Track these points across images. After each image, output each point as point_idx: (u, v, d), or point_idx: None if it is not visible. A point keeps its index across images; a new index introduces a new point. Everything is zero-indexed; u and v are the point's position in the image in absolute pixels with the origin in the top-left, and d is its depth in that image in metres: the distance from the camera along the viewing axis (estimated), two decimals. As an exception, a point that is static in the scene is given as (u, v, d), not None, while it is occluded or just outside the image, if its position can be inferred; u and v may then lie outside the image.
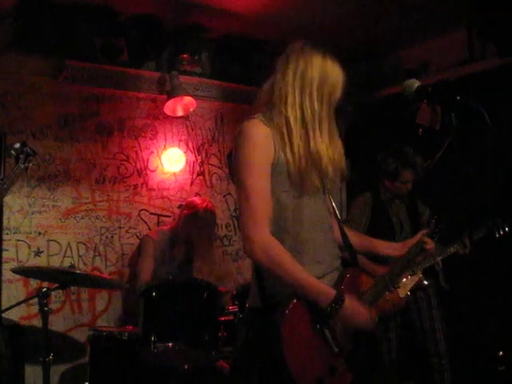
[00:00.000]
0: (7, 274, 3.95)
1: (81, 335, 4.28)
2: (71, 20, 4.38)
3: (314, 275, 2.00)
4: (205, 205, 4.10)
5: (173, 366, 3.26)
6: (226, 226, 4.96)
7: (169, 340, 3.02)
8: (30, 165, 3.21)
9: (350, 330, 2.08)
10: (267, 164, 2.03)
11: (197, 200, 4.21)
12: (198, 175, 4.87)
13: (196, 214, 4.04)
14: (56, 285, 3.32)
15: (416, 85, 2.05)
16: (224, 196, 4.97)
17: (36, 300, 3.67)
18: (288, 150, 2.04)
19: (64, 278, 3.19)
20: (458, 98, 1.93)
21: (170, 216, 4.66)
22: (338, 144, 2.15)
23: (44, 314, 3.13)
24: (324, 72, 2.10)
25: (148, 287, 3.17)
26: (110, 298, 4.41)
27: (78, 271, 3.20)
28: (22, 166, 3.10)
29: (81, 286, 3.93)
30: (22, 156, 3.11)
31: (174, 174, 4.75)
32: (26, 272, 3.54)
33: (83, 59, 4.36)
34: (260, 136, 2.04)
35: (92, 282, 3.43)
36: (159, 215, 4.66)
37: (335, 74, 2.14)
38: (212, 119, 4.98)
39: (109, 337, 3.43)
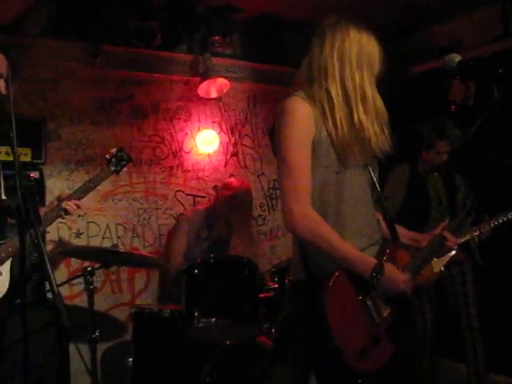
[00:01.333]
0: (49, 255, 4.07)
1: (121, 314, 4.39)
2: (105, 5, 4.44)
3: (356, 247, 2.04)
4: (243, 186, 4.17)
5: (215, 341, 3.34)
6: (260, 206, 5.02)
7: (212, 316, 3.09)
8: (125, 169, 3.31)
9: (390, 299, 2.12)
10: (308, 140, 2.07)
11: (234, 181, 4.27)
12: (232, 156, 4.93)
13: (234, 195, 4.10)
14: (98, 264, 3.42)
15: (457, 59, 2.06)
16: (258, 176, 5.02)
17: (78, 280, 3.80)
18: (330, 122, 2.07)
19: (108, 257, 3.28)
20: (500, 70, 1.94)
21: (205, 197, 4.73)
22: (383, 116, 2.17)
23: (90, 292, 3.24)
24: (361, 43, 2.13)
25: (190, 265, 3.24)
26: (148, 277, 4.51)
27: (121, 250, 3.28)
28: (113, 168, 3.19)
29: (123, 264, 4.02)
30: (114, 160, 3.20)
31: (209, 155, 4.81)
32: (72, 252, 3.64)
33: (118, 44, 4.43)
34: (301, 113, 2.08)
35: (134, 260, 3.53)
36: (195, 196, 4.74)
37: (372, 45, 2.17)
38: (244, 100, 5.02)
39: (151, 314, 3.52)
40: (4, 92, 2.58)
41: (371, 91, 2.14)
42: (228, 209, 4.12)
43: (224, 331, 3.20)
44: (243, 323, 3.18)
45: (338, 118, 2.07)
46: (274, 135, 2.18)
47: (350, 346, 2.01)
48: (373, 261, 2.04)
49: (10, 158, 3.55)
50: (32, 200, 1.77)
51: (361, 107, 2.10)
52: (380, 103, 2.17)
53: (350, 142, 2.08)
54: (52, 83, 4.24)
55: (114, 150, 3.21)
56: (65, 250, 3.55)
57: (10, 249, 2.57)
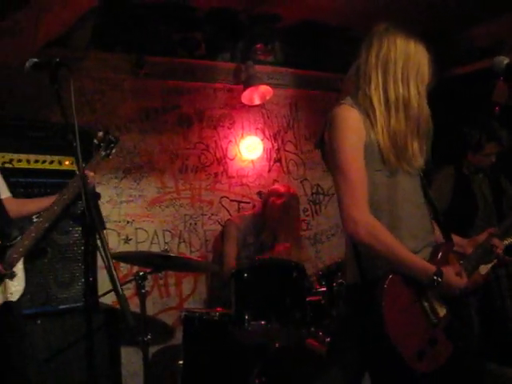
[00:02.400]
0: (99, 261, 4.17)
1: (169, 318, 4.47)
2: (149, 17, 4.56)
3: (410, 250, 2.07)
4: (290, 191, 4.22)
5: (264, 344, 3.38)
6: (304, 211, 5.05)
7: (261, 318, 3.14)
8: (113, 151, 3.28)
9: (446, 299, 2.14)
10: (360, 146, 2.11)
11: (282, 188, 4.32)
12: (275, 162, 4.99)
13: (283, 202, 4.16)
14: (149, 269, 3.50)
15: (505, 61, 2.08)
16: (301, 181, 5.07)
17: (127, 285, 3.88)
18: (374, 130, 2.11)
19: (158, 262, 3.36)
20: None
21: (249, 202, 4.80)
22: (428, 128, 2.19)
23: (141, 296, 3.32)
24: (408, 53, 2.15)
25: (239, 269, 3.30)
26: (195, 282, 4.59)
27: (172, 255, 3.36)
28: (103, 153, 3.19)
29: (173, 269, 4.09)
30: (103, 144, 3.20)
31: (252, 161, 4.88)
32: (124, 257, 3.73)
33: (162, 54, 4.55)
34: (351, 119, 2.12)
35: (184, 264, 3.60)
36: (239, 202, 4.81)
37: (419, 54, 2.18)
38: (287, 106, 5.08)
39: (200, 318, 3.58)
40: None
41: (418, 102, 2.16)
42: (278, 215, 4.17)
43: (273, 334, 3.25)
44: (292, 326, 3.22)
45: (379, 126, 2.11)
46: (323, 144, 2.23)
47: (408, 347, 2.03)
48: (432, 268, 2.06)
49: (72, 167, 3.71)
50: (96, 206, 1.85)
51: (402, 117, 2.13)
52: (427, 114, 2.19)
53: (392, 149, 2.11)
54: (99, 94, 4.37)
55: (101, 134, 3.21)
56: (117, 255, 3.64)
57: (20, 249, 2.64)
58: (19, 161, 3.57)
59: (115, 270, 1.79)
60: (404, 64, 2.14)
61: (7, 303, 2.58)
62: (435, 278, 2.02)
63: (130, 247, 4.36)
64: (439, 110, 2.32)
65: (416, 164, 2.20)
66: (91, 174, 3.00)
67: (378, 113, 2.12)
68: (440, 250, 2.20)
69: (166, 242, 4.48)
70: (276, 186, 4.52)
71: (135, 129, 4.46)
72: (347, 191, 2.08)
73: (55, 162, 3.72)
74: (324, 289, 3.44)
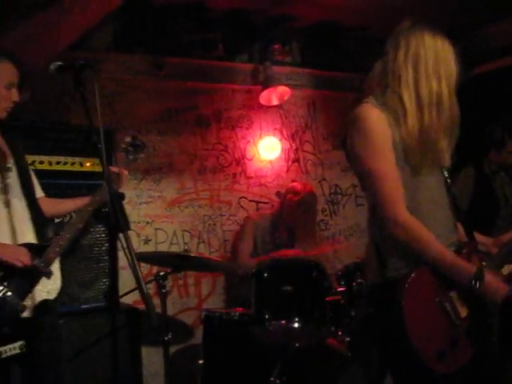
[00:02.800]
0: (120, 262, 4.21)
1: (188, 318, 4.51)
2: (168, 19, 4.60)
3: None
4: (307, 189, 4.24)
5: (284, 344, 3.39)
6: (322, 211, 5.06)
7: (281, 318, 3.16)
8: (141, 156, 3.30)
9: (469, 300, 2.13)
10: (388, 144, 2.10)
11: (298, 185, 4.35)
12: (294, 162, 5.00)
13: (300, 199, 4.18)
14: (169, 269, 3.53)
15: None
16: (319, 181, 5.07)
17: (149, 285, 3.91)
18: (403, 129, 2.10)
19: (179, 262, 3.39)
20: None
21: (267, 202, 4.82)
22: (457, 125, 2.19)
23: (162, 296, 3.35)
24: (436, 49, 2.14)
25: (259, 269, 3.31)
26: (214, 282, 4.62)
27: (192, 255, 3.39)
28: (131, 157, 3.21)
29: (193, 269, 4.12)
30: (130, 149, 3.21)
31: (270, 161, 4.90)
32: (145, 258, 3.76)
33: (181, 56, 4.58)
34: (375, 119, 2.11)
35: (204, 264, 3.62)
36: (258, 202, 4.83)
37: (446, 50, 2.17)
38: (304, 107, 5.09)
39: (220, 317, 3.60)
40: (17, 100, 2.74)
41: (448, 99, 2.14)
42: (294, 213, 4.19)
43: (293, 333, 3.25)
44: (312, 325, 3.22)
45: (410, 124, 2.09)
46: (346, 145, 2.23)
47: (428, 347, 2.02)
48: (473, 269, 2.04)
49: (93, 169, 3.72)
50: (120, 206, 1.88)
51: (434, 115, 2.12)
52: (457, 112, 2.18)
53: (422, 148, 2.10)
54: (119, 95, 4.41)
55: (128, 139, 3.22)
56: (137, 255, 3.66)
57: (57, 248, 2.67)
58: (41, 162, 3.61)
59: (140, 270, 1.81)
60: (434, 61, 2.13)
61: (45, 301, 2.61)
62: (474, 281, 2.00)
63: (149, 248, 4.40)
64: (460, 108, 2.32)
65: (442, 163, 2.20)
66: (125, 172, 3.05)
67: (408, 110, 2.10)
68: (463, 249, 2.19)
69: (185, 243, 4.51)
70: (293, 183, 4.54)
71: (154, 130, 4.50)
72: (382, 193, 2.07)
73: (76, 163, 3.76)
74: (343, 288, 3.45)
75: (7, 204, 2.64)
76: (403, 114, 2.11)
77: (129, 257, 1.82)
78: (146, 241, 4.40)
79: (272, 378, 3.32)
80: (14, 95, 2.72)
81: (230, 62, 4.77)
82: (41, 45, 3.80)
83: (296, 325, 3.16)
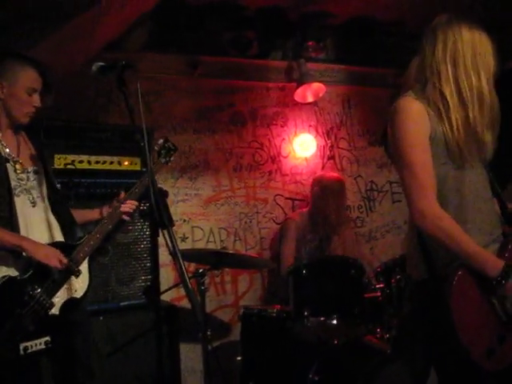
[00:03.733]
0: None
1: (225, 315, 4.53)
2: (202, 18, 4.62)
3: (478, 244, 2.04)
4: (330, 175, 4.26)
5: (323, 340, 3.39)
6: (358, 208, 5.04)
7: (320, 315, 3.16)
8: (172, 159, 3.31)
9: None
10: (426, 137, 2.09)
11: (322, 173, 4.44)
12: (329, 159, 4.99)
13: (323, 186, 4.22)
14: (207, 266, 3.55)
15: None
16: (355, 178, 5.05)
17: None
18: (446, 123, 2.08)
19: (217, 259, 3.41)
20: None
21: (303, 200, 4.81)
22: (498, 119, 2.17)
23: (201, 293, 3.38)
24: (474, 43, 2.12)
25: (297, 266, 3.32)
26: (251, 279, 4.63)
27: (229, 251, 3.41)
28: (163, 160, 3.24)
29: (230, 266, 4.13)
30: (163, 151, 3.24)
31: (306, 158, 4.89)
32: (183, 255, 3.77)
33: (215, 54, 4.60)
34: (414, 112, 2.10)
35: (241, 261, 3.64)
36: (293, 199, 4.83)
37: (484, 44, 2.15)
38: (339, 103, 5.07)
39: (259, 314, 3.62)
40: (38, 105, 2.78)
41: (489, 92, 2.13)
42: (322, 202, 4.22)
43: (332, 330, 3.26)
44: (351, 322, 3.23)
45: (453, 119, 2.08)
46: (386, 138, 2.22)
47: (476, 344, 2.00)
48: (501, 263, 2.02)
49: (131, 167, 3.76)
50: (164, 203, 1.90)
51: (477, 109, 2.10)
52: (497, 105, 2.16)
53: (467, 142, 2.09)
54: (155, 95, 4.45)
55: (161, 142, 3.23)
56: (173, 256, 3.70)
57: (86, 248, 2.72)
58: (80, 162, 3.67)
59: (184, 266, 1.83)
60: (472, 54, 2.12)
61: (72, 300, 2.67)
62: (501, 275, 1.99)
63: (186, 245, 4.43)
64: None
65: (486, 156, 2.19)
66: (135, 203, 3.03)
67: (451, 105, 2.09)
68: (508, 244, 2.16)
69: (221, 240, 4.54)
70: (318, 173, 4.59)
71: (190, 128, 4.53)
72: (414, 184, 2.07)
73: (115, 162, 3.81)
74: (382, 285, 3.43)
75: (34, 204, 2.71)
76: (446, 108, 2.09)
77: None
78: (183, 239, 4.44)
79: (310, 375, 3.33)
80: (36, 100, 2.77)
81: (264, 60, 4.77)
82: (78, 46, 3.86)
83: (335, 321, 3.17)
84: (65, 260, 2.60)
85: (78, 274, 2.67)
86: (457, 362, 2.03)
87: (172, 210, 4.38)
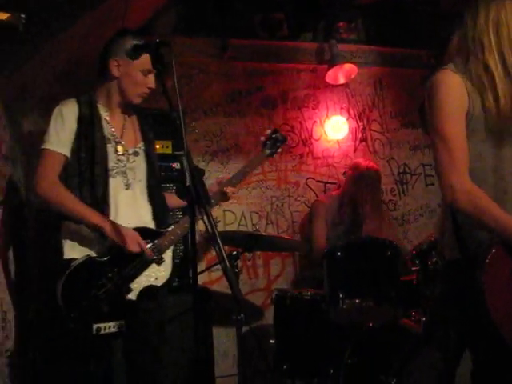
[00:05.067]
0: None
1: (257, 299, 4.52)
2: (231, 0, 4.59)
3: None
4: (369, 165, 4.22)
5: (357, 323, 3.36)
6: (391, 191, 4.97)
7: (355, 297, 3.13)
8: (279, 151, 3.21)
9: None
10: (462, 112, 2.04)
11: (360, 161, 4.36)
12: (361, 141, 4.92)
13: (360, 175, 4.16)
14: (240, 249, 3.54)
15: None
16: (387, 161, 4.97)
17: (217, 266, 3.93)
18: (490, 96, 2.02)
19: (250, 242, 3.39)
20: None
21: (335, 183, 4.76)
22: None
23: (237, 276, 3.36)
24: None
25: (332, 248, 3.29)
26: (283, 263, 4.61)
27: (263, 234, 3.39)
28: (268, 151, 3.13)
29: (264, 249, 4.12)
30: (269, 142, 3.14)
31: (338, 141, 4.83)
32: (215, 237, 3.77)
33: (245, 37, 4.57)
34: (453, 85, 2.05)
35: (274, 244, 3.62)
36: (325, 183, 4.78)
37: None
38: (371, 85, 4.99)
39: (293, 297, 3.60)
40: (153, 86, 2.76)
41: None
42: (355, 189, 4.17)
43: (367, 313, 3.23)
44: (386, 305, 3.19)
45: (499, 89, 2.01)
46: (423, 112, 2.17)
47: (508, 323, 1.94)
48: None
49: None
50: (201, 181, 1.88)
51: None
52: None
53: (509, 117, 2.02)
54: (186, 79, 4.42)
55: (268, 132, 3.16)
56: (210, 236, 3.69)
57: (172, 237, 2.68)
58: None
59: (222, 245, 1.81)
60: None
61: (151, 287, 2.64)
62: None
63: (218, 229, 4.41)
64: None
65: None
66: (233, 190, 2.98)
67: (496, 77, 2.02)
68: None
69: (253, 224, 4.52)
70: (356, 160, 4.52)
71: (221, 112, 4.52)
72: (446, 157, 2.02)
73: (146, 145, 3.81)
74: (418, 268, 3.38)
75: (128, 187, 2.70)
76: (490, 80, 2.03)
77: (211, 232, 1.81)
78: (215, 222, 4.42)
79: (344, 358, 3.30)
80: (150, 82, 2.74)
81: (294, 42, 4.72)
82: (108, 30, 3.85)
83: (370, 304, 3.14)
84: (144, 245, 2.58)
85: (160, 261, 2.65)
86: (489, 344, 1.97)
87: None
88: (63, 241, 2.64)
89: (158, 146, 3.75)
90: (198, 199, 1.84)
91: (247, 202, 4.53)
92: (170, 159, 3.88)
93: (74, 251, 2.60)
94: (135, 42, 2.30)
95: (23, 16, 2.05)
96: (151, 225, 2.74)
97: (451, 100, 2.04)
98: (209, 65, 4.51)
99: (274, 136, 3.14)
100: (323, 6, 4.75)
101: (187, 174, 1.88)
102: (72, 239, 2.63)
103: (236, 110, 4.56)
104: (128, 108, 2.83)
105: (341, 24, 4.80)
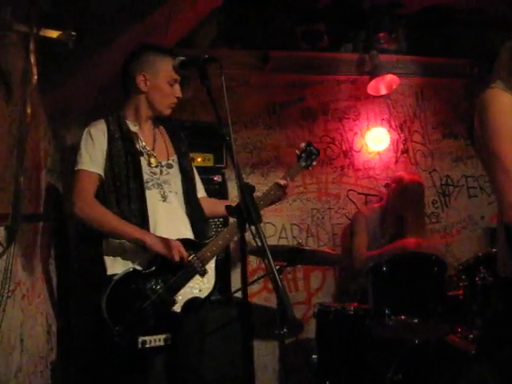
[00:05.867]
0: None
1: (297, 312, 4.47)
2: (272, 12, 4.58)
3: None
4: (413, 178, 4.16)
5: (403, 339, 3.30)
6: (433, 203, 4.89)
7: (401, 313, 3.07)
8: (314, 163, 3.19)
9: None
10: None
11: (403, 174, 4.30)
12: (402, 153, 4.85)
13: (404, 188, 4.11)
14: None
15: None
16: (429, 173, 4.89)
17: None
18: None
19: (293, 256, 3.36)
20: None
21: (376, 195, 4.70)
22: None
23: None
24: None
25: (378, 262, 3.24)
26: (324, 275, 4.56)
27: (306, 248, 3.35)
28: (303, 164, 3.12)
29: (306, 263, 4.08)
30: (304, 155, 3.12)
31: (379, 153, 4.78)
32: (256, 251, 3.75)
33: (286, 48, 4.55)
34: (503, 105, 2.03)
35: (318, 258, 3.58)
36: (366, 194, 4.72)
37: None
38: (412, 96, 4.92)
39: (336, 311, 3.55)
40: (180, 95, 2.79)
41: None
42: (399, 202, 4.12)
43: (413, 329, 3.17)
44: (433, 321, 3.12)
45: None
46: (473, 130, 2.14)
47: None
48: None
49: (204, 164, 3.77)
50: (251, 198, 1.86)
51: None
52: None
53: None
54: (226, 90, 4.41)
55: (303, 145, 3.14)
56: (254, 249, 3.68)
57: (214, 248, 2.66)
58: (155, 158, 3.68)
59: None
60: None
61: (195, 299, 2.63)
62: None
63: (258, 241, 4.38)
64: None
65: None
66: (291, 183, 3.00)
67: None
68: None
69: (293, 237, 4.49)
70: (399, 173, 4.46)
71: (261, 124, 4.51)
72: (504, 177, 1.99)
73: (188, 158, 3.82)
74: (465, 283, 3.30)
75: (164, 199, 2.70)
76: None
77: (262, 250, 1.79)
78: (255, 234, 4.40)
79: (389, 375, 3.23)
80: (177, 91, 2.78)
81: (334, 53, 4.69)
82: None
83: (416, 320, 3.07)
84: (185, 254, 2.57)
85: (203, 273, 2.63)
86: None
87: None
88: (105, 257, 2.63)
89: (199, 159, 3.80)
90: (249, 217, 1.82)
91: (288, 214, 4.51)
92: (211, 172, 3.90)
93: (116, 266, 2.60)
94: (182, 58, 2.30)
95: (74, 33, 2.06)
96: (189, 235, 2.73)
97: (503, 120, 2.01)
98: (249, 76, 4.51)
99: (308, 149, 3.13)
100: (364, 17, 4.72)
101: (238, 190, 1.85)
102: (114, 255, 2.62)
103: (276, 122, 4.55)
104: (157, 121, 2.85)
105: (381, 34, 4.75)
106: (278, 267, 3.36)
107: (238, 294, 3.93)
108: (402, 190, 4.14)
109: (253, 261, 4.33)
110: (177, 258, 2.54)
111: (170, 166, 2.78)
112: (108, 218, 2.57)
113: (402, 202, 4.13)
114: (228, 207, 1.91)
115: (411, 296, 3.13)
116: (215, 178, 3.89)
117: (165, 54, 2.77)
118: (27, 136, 2.15)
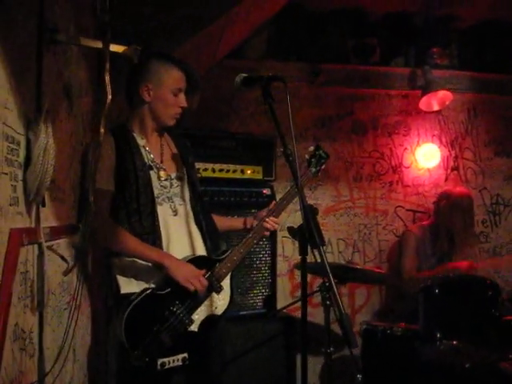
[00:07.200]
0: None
1: (338, 329, 4.40)
2: (323, 25, 4.56)
3: None
4: (460, 190, 4.10)
5: (453, 364, 3.21)
6: (483, 222, 4.78)
7: (453, 337, 2.99)
8: (323, 167, 3.09)
9: None
10: None
11: (450, 188, 4.26)
12: (453, 170, 4.76)
13: (454, 202, 4.07)
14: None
15: None
16: (480, 191, 4.79)
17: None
18: None
19: (343, 274, 3.31)
20: None
21: (425, 212, 4.63)
22: None
23: (326, 308, 3.27)
24: None
25: (430, 284, 3.17)
26: (368, 293, 4.51)
27: (358, 267, 3.30)
28: (314, 169, 3.02)
29: (356, 281, 4.02)
30: (314, 160, 3.03)
31: (428, 169, 4.70)
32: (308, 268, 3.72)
33: (336, 62, 4.52)
34: None
35: (367, 277, 3.52)
36: (415, 211, 4.65)
37: None
38: (464, 112, 4.82)
39: (384, 332, 3.48)
40: (185, 105, 2.66)
41: None
42: (448, 217, 4.07)
43: (464, 354, 3.08)
44: (485, 347, 3.04)
45: None
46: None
47: None
48: None
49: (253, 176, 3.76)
50: (315, 220, 1.83)
51: None
52: None
53: None
54: (276, 103, 4.39)
55: (311, 149, 3.03)
56: (296, 265, 3.65)
57: (229, 264, 2.61)
58: (205, 170, 3.70)
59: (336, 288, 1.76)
60: None
61: (212, 317, 2.58)
62: None
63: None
64: None
65: None
66: (278, 222, 2.86)
67: None
68: None
69: (339, 252, 4.45)
70: (448, 187, 4.40)
71: (310, 137, 4.48)
72: None
73: (238, 171, 3.82)
74: (518, 308, 3.22)
75: (175, 213, 2.62)
76: None
77: (327, 275, 1.76)
78: (301, 249, 4.37)
79: (437, 399, 3.16)
80: (182, 101, 2.65)
81: (386, 67, 4.64)
82: (205, 54, 3.90)
83: (468, 346, 2.99)
84: (205, 282, 2.51)
85: (219, 290, 2.58)
86: None
87: (291, 219, 4.33)
88: (117, 276, 2.53)
89: (249, 172, 3.80)
90: (312, 240, 1.79)
91: (334, 229, 4.48)
92: (260, 185, 3.88)
93: (130, 285, 2.51)
94: (245, 75, 2.28)
95: (139, 48, 2.06)
96: (202, 249, 2.65)
97: None
98: (299, 89, 4.48)
99: (317, 153, 3.03)
100: (417, 31, 4.66)
101: (301, 212, 1.83)
102: (126, 274, 2.53)
103: (326, 135, 4.52)
104: (163, 133, 2.75)
105: (435, 49, 4.68)
106: (327, 283, 3.31)
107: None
108: (451, 204, 4.09)
109: (298, 276, 4.29)
110: (196, 288, 2.48)
111: (179, 179, 2.69)
112: (125, 239, 2.49)
113: (454, 217, 4.08)
114: (290, 229, 1.88)
115: (463, 320, 3.05)
116: (264, 191, 3.86)
117: (169, 62, 2.64)
118: (100, 156, 2.14)
